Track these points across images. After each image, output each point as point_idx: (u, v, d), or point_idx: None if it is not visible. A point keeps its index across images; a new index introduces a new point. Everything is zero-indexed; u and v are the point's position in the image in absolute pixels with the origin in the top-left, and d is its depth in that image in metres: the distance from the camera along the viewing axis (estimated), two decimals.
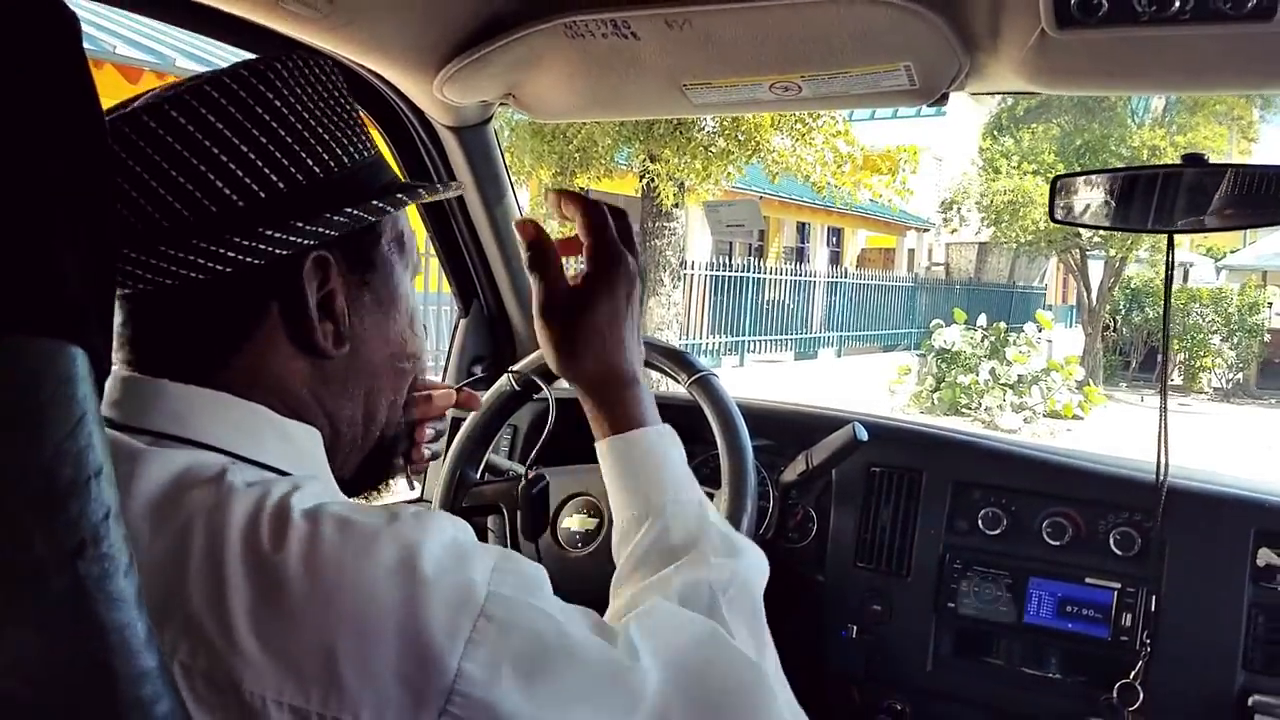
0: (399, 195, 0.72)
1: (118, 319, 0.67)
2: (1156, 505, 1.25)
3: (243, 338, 0.67)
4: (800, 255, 18.92)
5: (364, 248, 0.71)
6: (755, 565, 0.80)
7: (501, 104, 1.48)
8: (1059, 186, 1.34)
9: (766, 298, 13.83)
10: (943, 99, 1.26)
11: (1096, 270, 15.96)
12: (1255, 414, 13.64)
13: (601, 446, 0.85)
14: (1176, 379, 15.08)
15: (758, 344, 13.46)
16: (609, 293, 0.84)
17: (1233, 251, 19.90)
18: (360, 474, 0.78)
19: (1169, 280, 1.30)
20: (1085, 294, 16.00)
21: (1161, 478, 1.25)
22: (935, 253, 22.93)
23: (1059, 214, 1.35)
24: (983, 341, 11.52)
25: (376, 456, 0.78)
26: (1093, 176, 1.36)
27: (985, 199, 15.30)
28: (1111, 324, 15.95)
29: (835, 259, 19.94)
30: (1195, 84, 1.29)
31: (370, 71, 1.34)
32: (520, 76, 1.31)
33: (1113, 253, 14.98)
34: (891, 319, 16.89)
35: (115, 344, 0.68)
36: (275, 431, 0.67)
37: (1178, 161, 1.25)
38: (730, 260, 13.42)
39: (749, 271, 13.31)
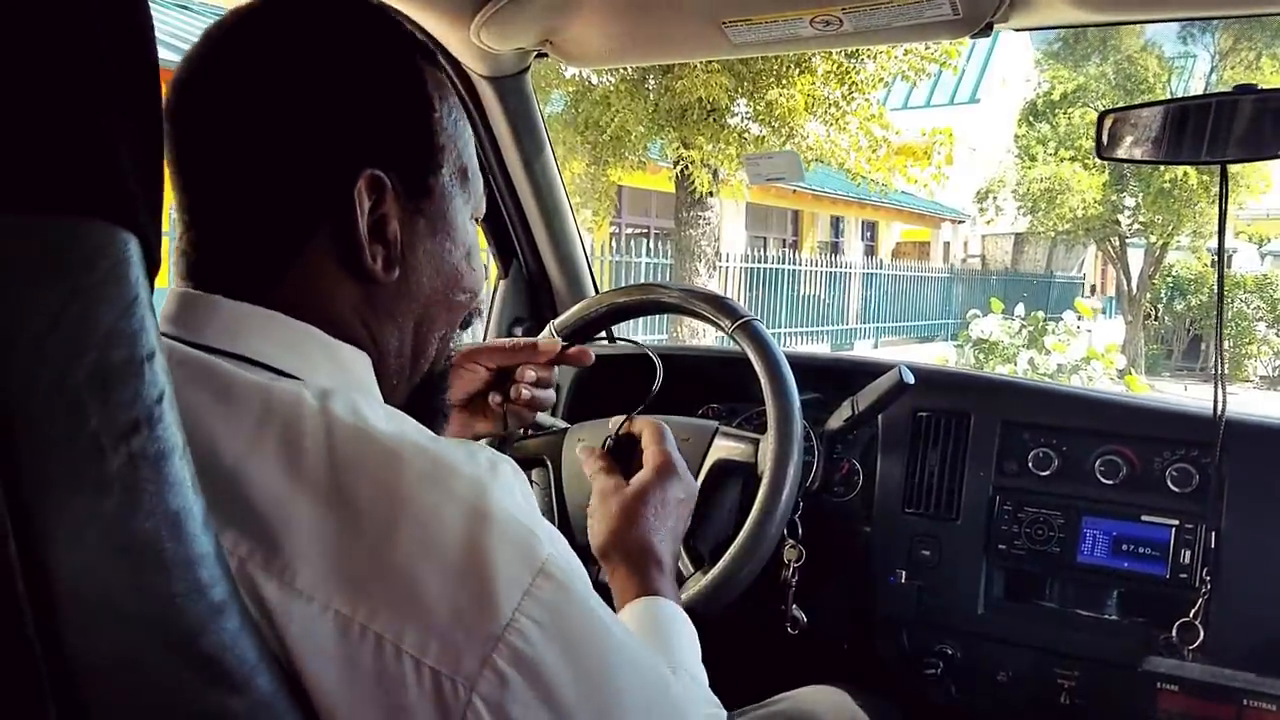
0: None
1: (180, 234, 0.69)
2: (1215, 439, 1.21)
3: (293, 253, 0.66)
4: (835, 249, 18.82)
5: (422, 174, 0.71)
6: None
7: (539, 55, 1.47)
8: (1107, 121, 1.31)
9: (802, 291, 13.78)
10: (986, 29, 1.24)
11: (1136, 258, 15.70)
12: None
13: (635, 605, 0.89)
14: None
15: (793, 336, 13.41)
16: (662, 490, 0.98)
17: (1277, 237, 19.53)
18: (406, 409, 0.76)
19: (1222, 213, 1.27)
20: (1125, 282, 15.73)
21: (1220, 410, 1.21)
22: (971, 245, 22.73)
23: (1107, 150, 1.32)
24: (1021, 331, 11.35)
25: (423, 392, 0.77)
26: (1142, 110, 1.33)
27: (1021, 187, 15.12)
28: (1153, 312, 15.65)
29: (870, 253, 19.82)
30: (1238, 4, 1.25)
31: (405, 20, 1.33)
32: (558, 20, 1.31)
33: (1153, 239, 14.72)
34: (927, 310, 16.79)
35: (176, 260, 0.69)
36: (324, 352, 0.67)
37: (1229, 90, 1.22)
38: (764, 254, 13.37)
39: (784, 264, 13.25)
